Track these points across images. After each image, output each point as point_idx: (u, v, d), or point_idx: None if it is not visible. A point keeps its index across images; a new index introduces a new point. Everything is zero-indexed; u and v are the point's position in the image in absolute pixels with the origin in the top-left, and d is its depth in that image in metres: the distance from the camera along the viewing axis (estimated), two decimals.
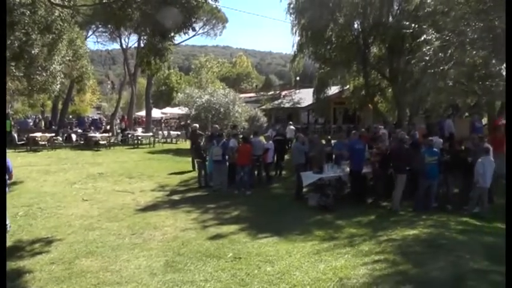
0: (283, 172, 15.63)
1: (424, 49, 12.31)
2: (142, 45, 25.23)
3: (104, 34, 33.84)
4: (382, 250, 6.60)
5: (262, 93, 39.98)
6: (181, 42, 40.66)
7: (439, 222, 8.61)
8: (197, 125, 16.53)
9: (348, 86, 24.73)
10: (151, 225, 9.01)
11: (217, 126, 16.23)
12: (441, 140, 12.16)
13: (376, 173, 11.66)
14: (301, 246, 7.51)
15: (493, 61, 13.42)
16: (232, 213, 10.55)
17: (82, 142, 25.23)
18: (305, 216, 10.19)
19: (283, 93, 36.52)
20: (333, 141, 13.98)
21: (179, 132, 29.21)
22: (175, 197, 12.31)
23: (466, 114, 26.66)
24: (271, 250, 7.32)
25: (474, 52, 11.81)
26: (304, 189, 12.15)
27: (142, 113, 41.25)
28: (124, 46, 34.34)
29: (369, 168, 11.83)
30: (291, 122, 24.07)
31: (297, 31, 20.36)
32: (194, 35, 36.14)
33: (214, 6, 33.06)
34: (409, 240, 7.06)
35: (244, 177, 12.92)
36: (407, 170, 10.71)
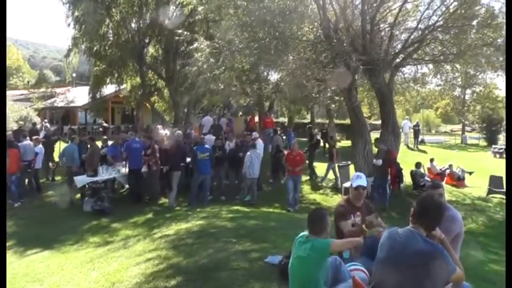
0: (58, 178, 14.46)
1: (196, 55, 12.98)
2: None
3: None
4: (156, 247, 6.68)
5: (34, 90, 35.90)
6: None
7: (211, 213, 9.16)
8: None
9: (125, 85, 24.26)
10: None
11: None
12: (214, 137, 13.12)
13: (153, 171, 11.81)
14: (74, 257, 7.10)
15: (261, 67, 15.17)
16: None
17: None
18: (80, 223, 9.70)
19: (58, 90, 33.59)
20: (109, 142, 13.59)
21: None
22: None
23: (240, 113, 29.41)
24: (41, 267, 6.70)
25: (243, 59, 13.02)
26: (78, 195, 11.50)
27: None
28: None
29: (146, 167, 11.92)
30: (46, 120, 22.51)
31: (71, 24, 19.01)
32: None
33: None
34: (182, 233, 7.29)
35: (11, 187, 11.44)
36: (182, 166, 11.20)
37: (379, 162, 11.78)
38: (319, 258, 3.67)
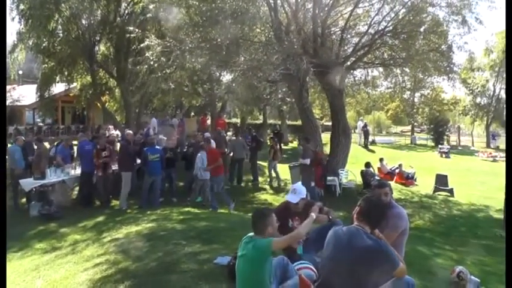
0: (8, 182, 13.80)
1: (147, 53, 12.78)
2: None
3: None
4: (105, 252, 6.51)
5: None
6: None
7: (162, 215, 9.01)
8: None
9: (75, 84, 23.49)
10: None
11: None
12: (165, 138, 12.94)
13: (104, 173, 11.52)
14: (17, 265, 6.78)
15: (213, 67, 15.10)
16: None
17: None
18: (26, 229, 9.26)
19: None
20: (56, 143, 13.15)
21: None
22: None
23: (193, 113, 29.15)
24: None
25: (193, 59, 12.93)
26: (24, 199, 11.03)
27: None
28: None
29: (100, 171, 11.59)
30: None
31: (16, 17, 18.11)
32: None
33: None
34: (132, 237, 7.14)
35: None
36: (132, 167, 10.98)
37: (307, 161, 11.64)
38: (262, 257, 3.71)
